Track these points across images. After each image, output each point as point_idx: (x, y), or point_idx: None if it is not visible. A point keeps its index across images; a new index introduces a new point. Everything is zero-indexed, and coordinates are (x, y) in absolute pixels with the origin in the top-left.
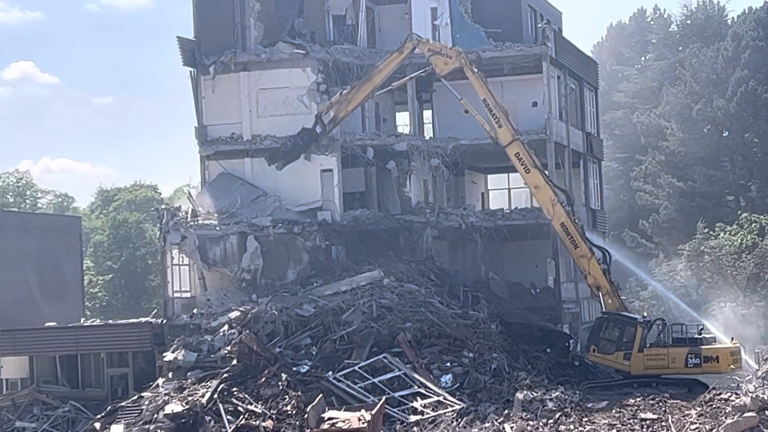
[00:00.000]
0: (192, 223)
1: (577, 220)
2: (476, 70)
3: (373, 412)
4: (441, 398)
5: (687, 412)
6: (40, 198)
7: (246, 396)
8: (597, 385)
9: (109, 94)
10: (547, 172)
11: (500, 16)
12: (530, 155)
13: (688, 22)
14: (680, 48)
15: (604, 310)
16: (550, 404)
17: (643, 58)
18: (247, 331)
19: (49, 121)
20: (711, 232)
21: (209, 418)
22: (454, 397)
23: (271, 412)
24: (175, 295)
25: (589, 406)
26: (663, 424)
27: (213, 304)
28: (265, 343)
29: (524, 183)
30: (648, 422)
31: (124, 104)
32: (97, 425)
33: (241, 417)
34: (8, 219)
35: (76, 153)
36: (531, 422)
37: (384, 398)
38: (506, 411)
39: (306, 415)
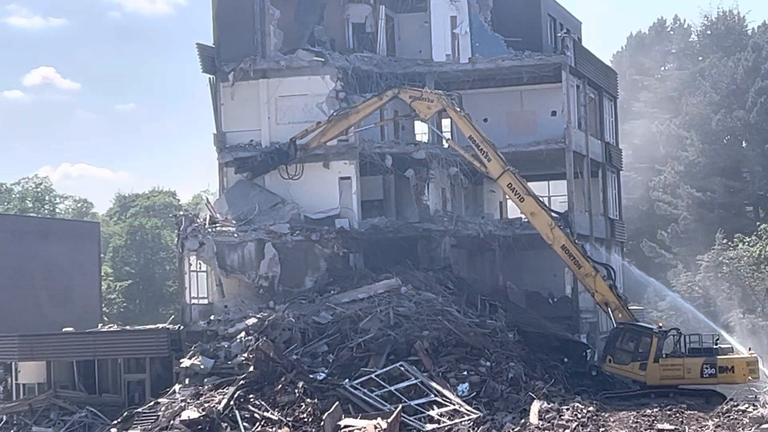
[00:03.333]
0: (210, 230)
1: (577, 240)
2: (459, 110)
3: (389, 420)
4: (457, 407)
5: (704, 423)
6: (59, 203)
7: (262, 403)
8: (614, 396)
9: (131, 100)
10: (565, 182)
11: (520, 25)
12: (522, 184)
13: (708, 32)
14: (700, 58)
15: (615, 325)
16: (567, 414)
17: (662, 68)
18: (264, 338)
19: (70, 127)
20: (730, 243)
21: (225, 424)
22: (471, 406)
23: (288, 419)
24: (193, 301)
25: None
26: None
27: (230, 311)
28: (282, 350)
29: (520, 212)
30: None
31: (145, 111)
32: (114, 431)
33: (258, 424)
34: (28, 224)
35: (97, 159)
36: None
37: (400, 406)
38: (523, 420)
39: (322, 423)
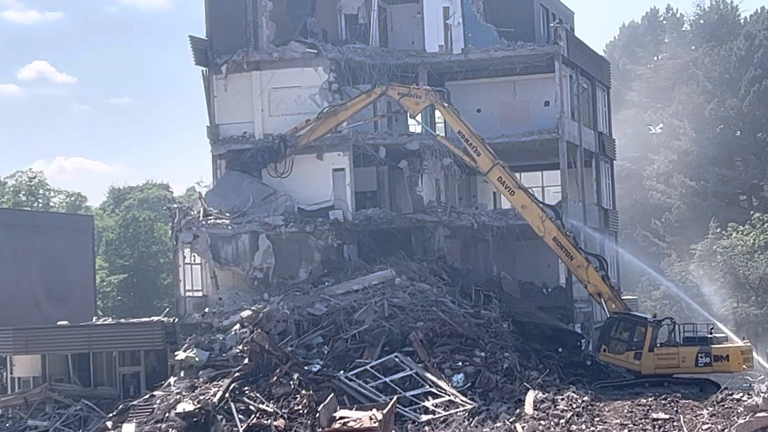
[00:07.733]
0: (204, 222)
1: (568, 232)
2: (447, 105)
3: (384, 411)
4: (452, 397)
5: (699, 412)
6: (53, 197)
7: (257, 395)
8: (609, 385)
9: (125, 94)
10: (558, 172)
11: (512, 15)
12: (512, 177)
13: (701, 21)
14: (693, 47)
15: (608, 315)
16: (562, 404)
17: (655, 58)
18: (259, 330)
19: (65, 121)
20: (723, 232)
21: (221, 417)
22: (466, 397)
23: (283, 411)
24: (187, 293)
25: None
26: (675, 424)
27: (225, 303)
28: (276, 342)
29: (511, 205)
30: (660, 422)
31: (140, 104)
32: (109, 424)
33: (253, 416)
34: (21, 218)
35: (91, 152)
36: (542, 422)
37: (395, 397)
38: (518, 410)
39: (317, 414)
